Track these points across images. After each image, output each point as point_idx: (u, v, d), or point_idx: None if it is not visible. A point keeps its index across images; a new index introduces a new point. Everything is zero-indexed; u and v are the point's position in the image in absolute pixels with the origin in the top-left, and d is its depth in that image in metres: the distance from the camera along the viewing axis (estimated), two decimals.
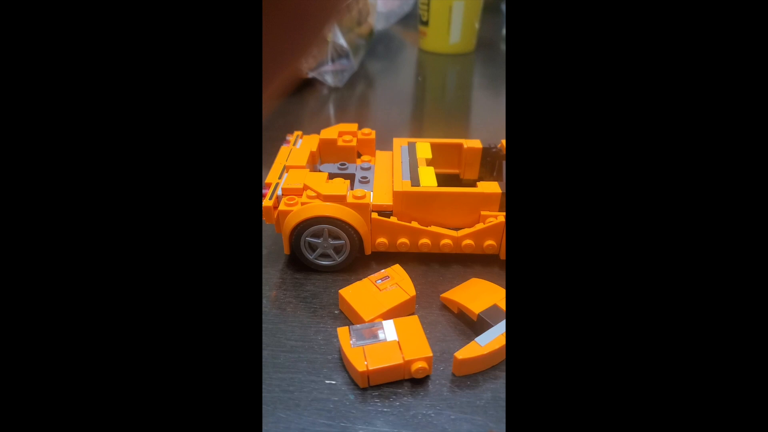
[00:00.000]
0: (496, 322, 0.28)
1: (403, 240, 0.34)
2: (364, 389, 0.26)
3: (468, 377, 0.27)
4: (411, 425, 0.24)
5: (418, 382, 0.26)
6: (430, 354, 0.26)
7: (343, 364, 0.27)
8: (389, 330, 0.27)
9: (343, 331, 0.27)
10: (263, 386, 0.26)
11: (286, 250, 0.33)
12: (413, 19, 0.86)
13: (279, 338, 0.29)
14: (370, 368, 0.25)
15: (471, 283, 0.32)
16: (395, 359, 0.25)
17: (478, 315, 0.29)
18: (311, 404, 0.25)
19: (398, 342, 0.26)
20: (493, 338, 0.27)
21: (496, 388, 0.26)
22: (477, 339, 0.27)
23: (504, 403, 0.25)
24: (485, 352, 0.27)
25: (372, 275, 0.32)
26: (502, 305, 0.30)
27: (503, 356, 0.28)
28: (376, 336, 0.27)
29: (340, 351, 0.27)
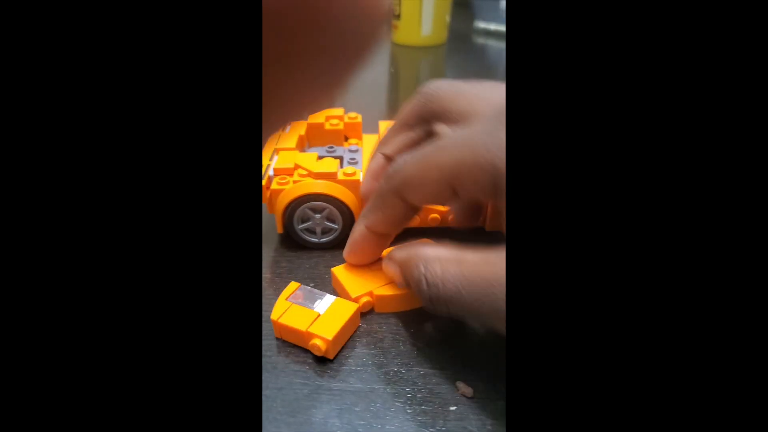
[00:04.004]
0: None
1: None
2: (333, 358, 0.27)
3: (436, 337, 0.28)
4: (383, 381, 0.26)
5: (390, 345, 0.28)
6: (330, 338, 0.26)
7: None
8: (325, 304, 0.28)
9: (291, 286, 0.29)
10: None
11: (279, 229, 0.35)
12: None
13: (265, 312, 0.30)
14: (279, 321, 0.27)
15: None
16: (300, 326, 0.27)
17: None
18: (288, 366, 0.26)
19: (320, 316, 0.28)
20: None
21: (462, 345, 0.28)
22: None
23: (471, 360, 0.27)
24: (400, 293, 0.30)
25: None
26: None
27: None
28: (312, 303, 0.28)
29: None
